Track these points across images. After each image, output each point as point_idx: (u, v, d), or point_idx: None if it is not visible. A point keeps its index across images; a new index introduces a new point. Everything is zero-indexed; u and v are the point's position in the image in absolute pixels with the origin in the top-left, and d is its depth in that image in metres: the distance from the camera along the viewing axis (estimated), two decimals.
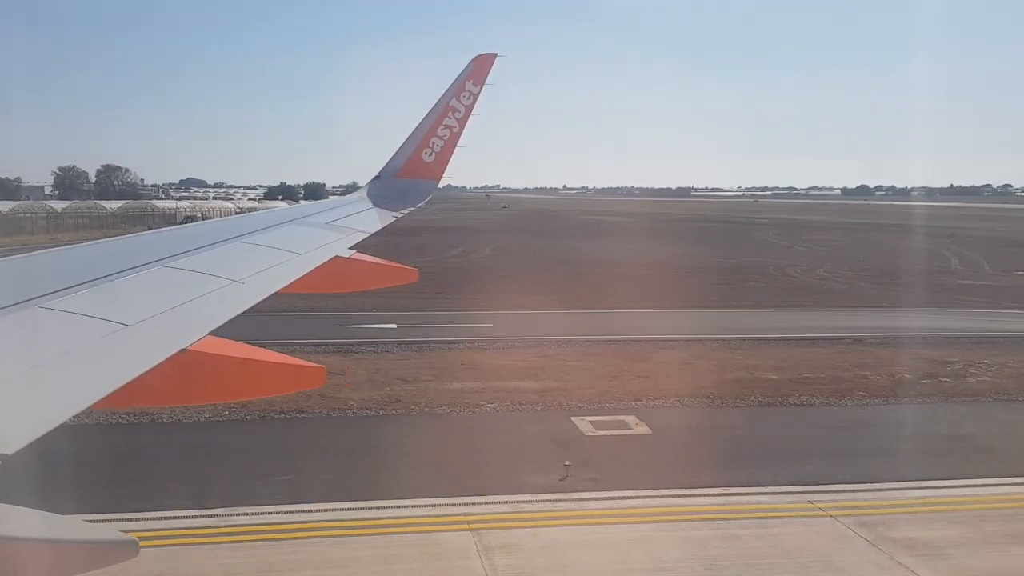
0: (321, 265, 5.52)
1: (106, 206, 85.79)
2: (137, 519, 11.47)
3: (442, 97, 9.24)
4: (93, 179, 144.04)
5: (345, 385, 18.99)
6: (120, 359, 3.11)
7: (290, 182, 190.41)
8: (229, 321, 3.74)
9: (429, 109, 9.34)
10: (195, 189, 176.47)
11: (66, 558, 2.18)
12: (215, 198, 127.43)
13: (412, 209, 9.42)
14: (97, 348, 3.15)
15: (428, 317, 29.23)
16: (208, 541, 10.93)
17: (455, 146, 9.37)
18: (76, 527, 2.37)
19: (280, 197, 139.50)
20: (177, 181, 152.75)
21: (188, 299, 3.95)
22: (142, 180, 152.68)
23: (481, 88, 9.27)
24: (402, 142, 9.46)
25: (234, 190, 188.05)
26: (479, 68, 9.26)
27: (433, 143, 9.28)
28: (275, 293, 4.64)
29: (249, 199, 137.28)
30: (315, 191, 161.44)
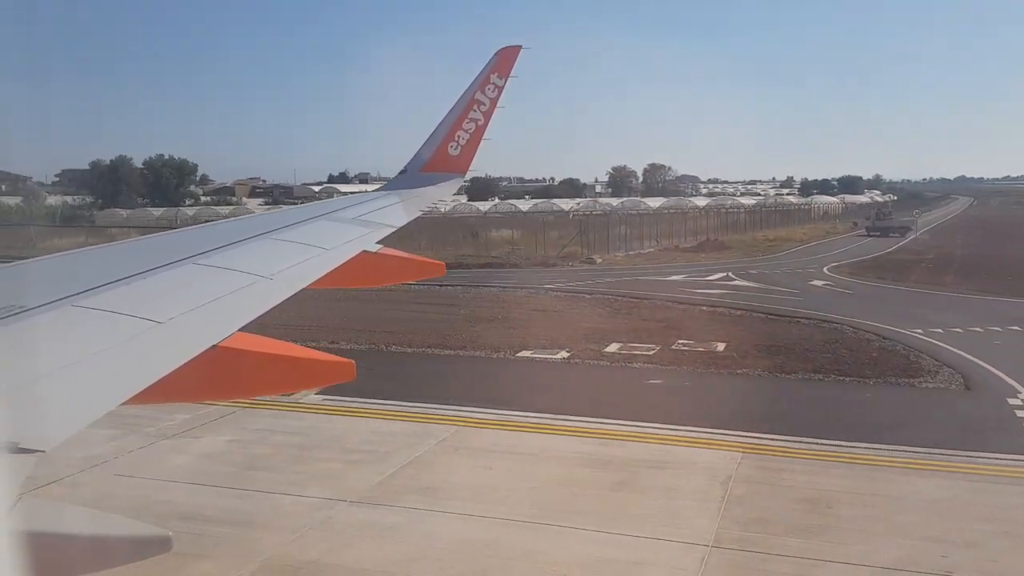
0: (349, 260, 5.54)
1: (651, 204, 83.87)
2: None
3: (467, 90, 9.21)
4: (640, 177, 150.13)
5: None
6: (152, 356, 3.15)
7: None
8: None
9: (455, 102, 9.33)
10: (711, 184, 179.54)
11: (102, 553, 2.22)
12: (742, 194, 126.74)
13: (439, 201, 9.43)
14: (130, 345, 3.20)
15: None
16: None
17: (481, 139, 9.35)
18: (111, 522, 2.41)
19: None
20: (667, 177, 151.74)
21: (218, 296, 4.00)
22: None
23: (506, 81, 9.22)
24: (428, 135, 9.47)
25: (759, 184, 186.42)
26: (504, 61, 9.22)
27: (459, 136, 9.27)
28: (303, 288, 4.68)
29: (776, 192, 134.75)
30: (851, 184, 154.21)
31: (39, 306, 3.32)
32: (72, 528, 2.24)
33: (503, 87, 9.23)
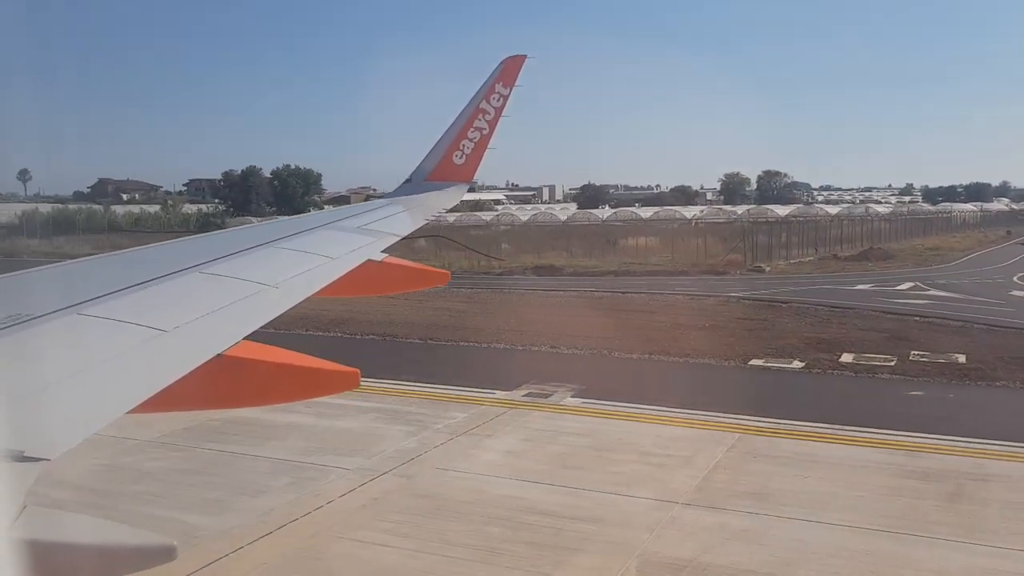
0: (353, 269, 5.54)
1: (779, 212, 78.06)
2: None
3: (472, 99, 9.23)
4: (754, 184, 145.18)
5: None
6: (157, 364, 3.14)
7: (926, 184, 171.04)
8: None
9: (459, 111, 9.34)
10: (825, 192, 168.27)
11: (105, 562, 2.21)
12: (861, 201, 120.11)
13: (444, 211, 9.43)
14: (135, 354, 3.19)
15: None
16: None
17: (485, 148, 9.37)
18: (115, 531, 2.40)
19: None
20: (782, 184, 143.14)
21: (223, 304, 3.99)
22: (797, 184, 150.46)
23: (511, 90, 9.25)
24: (433, 144, 9.48)
25: (876, 192, 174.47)
26: (508, 70, 9.24)
27: (463, 146, 9.28)
28: (308, 297, 4.67)
29: (898, 200, 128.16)
30: (980, 191, 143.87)
31: (45, 314, 3.32)
32: (76, 537, 2.23)
33: (508, 96, 9.25)
